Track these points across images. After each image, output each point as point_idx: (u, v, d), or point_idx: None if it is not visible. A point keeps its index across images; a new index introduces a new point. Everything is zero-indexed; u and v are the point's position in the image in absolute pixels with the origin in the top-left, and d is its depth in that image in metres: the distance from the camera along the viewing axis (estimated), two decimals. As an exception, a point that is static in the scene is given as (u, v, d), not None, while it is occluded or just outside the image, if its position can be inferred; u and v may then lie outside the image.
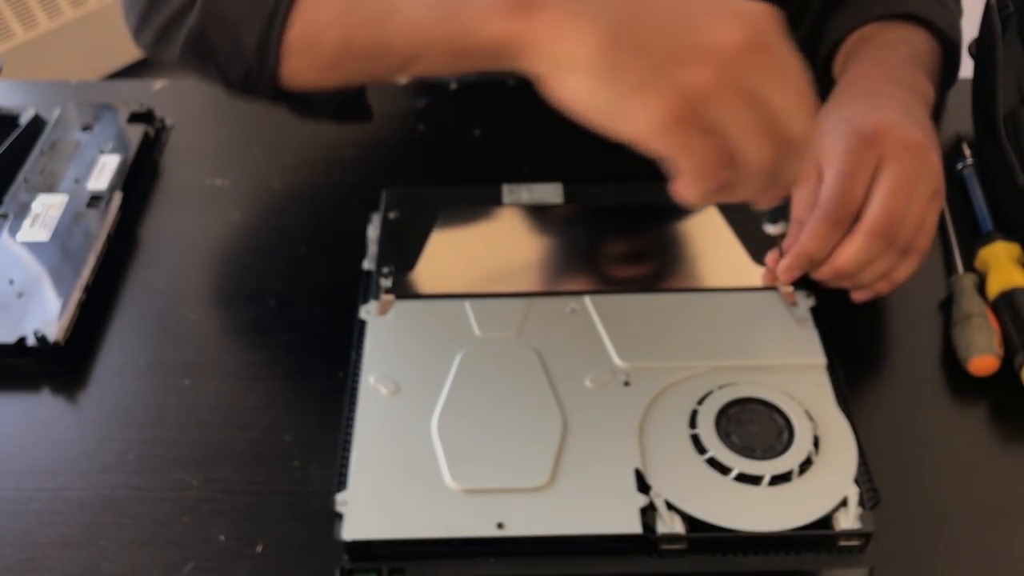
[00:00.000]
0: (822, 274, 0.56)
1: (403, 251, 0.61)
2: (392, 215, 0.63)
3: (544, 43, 0.43)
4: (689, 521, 0.46)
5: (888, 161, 0.54)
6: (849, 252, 0.54)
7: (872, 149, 0.55)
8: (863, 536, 0.46)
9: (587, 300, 0.57)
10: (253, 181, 0.73)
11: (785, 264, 0.56)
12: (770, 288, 0.58)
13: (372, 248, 0.62)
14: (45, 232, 0.65)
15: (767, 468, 0.48)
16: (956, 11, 0.73)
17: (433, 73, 0.51)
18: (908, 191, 0.54)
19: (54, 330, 0.58)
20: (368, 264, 0.61)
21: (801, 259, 0.55)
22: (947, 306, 0.60)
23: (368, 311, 0.57)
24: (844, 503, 0.47)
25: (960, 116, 0.72)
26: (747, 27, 0.40)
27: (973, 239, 0.63)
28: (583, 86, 0.41)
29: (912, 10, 0.68)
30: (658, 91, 0.40)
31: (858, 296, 0.59)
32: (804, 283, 0.58)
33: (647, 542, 0.46)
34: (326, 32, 0.51)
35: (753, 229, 0.61)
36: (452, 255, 0.61)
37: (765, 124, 0.41)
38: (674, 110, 0.40)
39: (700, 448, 0.49)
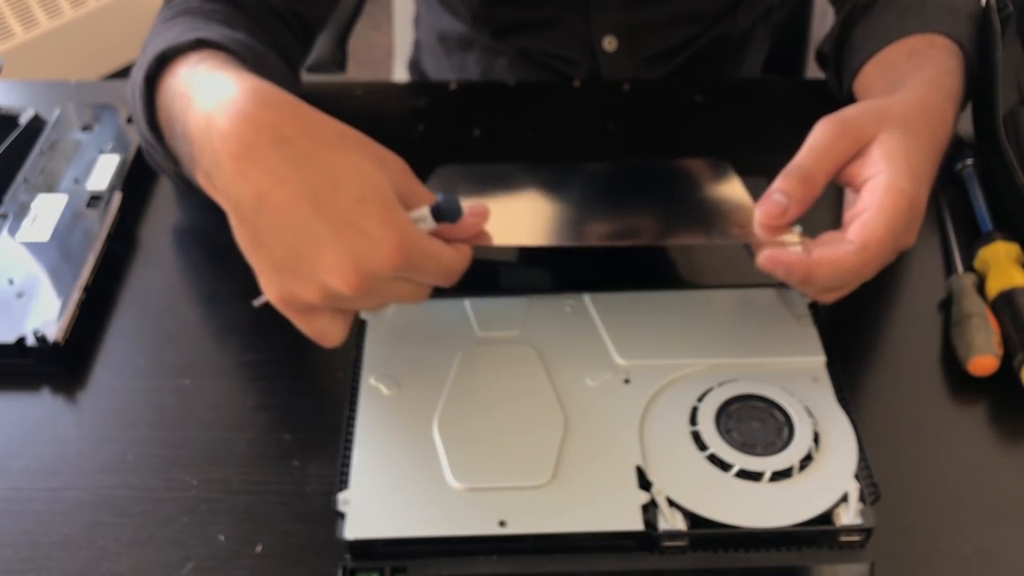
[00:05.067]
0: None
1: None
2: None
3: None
4: (690, 518, 0.46)
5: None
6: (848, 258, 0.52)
7: (907, 218, 0.52)
8: (864, 532, 0.46)
9: (587, 298, 0.57)
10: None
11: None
12: (770, 286, 0.58)
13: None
14: (45, 232, 0.65)
15: (768, 464, 0.48)
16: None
17: None
18: (907, 213, 0.52)
19: (54, 330, 0.58)
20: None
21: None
22: (947, 306, 0.60)
23: (368, 311, 0.57)
24: (845, 499, 0.47)
25: (960, 116, 0.72)
26: (356, 275, 0.45)
27: (973, 239, 0.63)
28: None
29: (947, 31, 0.66)
30: (270, 284, 0.48)
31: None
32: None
33: (649, 539, 0.46)
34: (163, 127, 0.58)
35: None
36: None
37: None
38: (281, 302, 0.48)
39: (701, 445, 0.49)
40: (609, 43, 0.85)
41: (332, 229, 0.45)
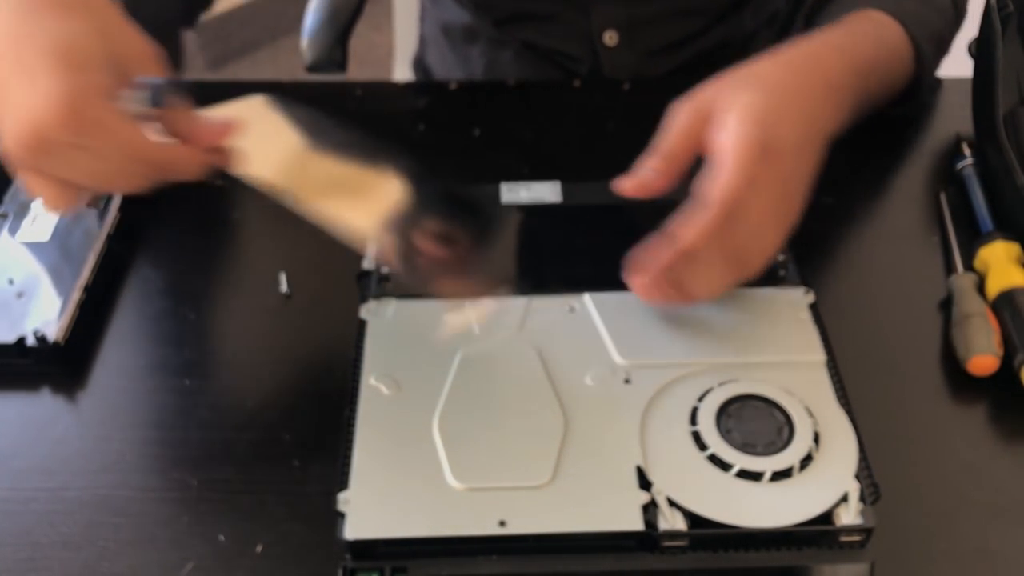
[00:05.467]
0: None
1: (403, 251, 0.61)
2: (392, 215, 0.63)
3: None
4: (691, 518, 0.46)
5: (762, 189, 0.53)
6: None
7: (763, 166, 0.52)
8: (864, 531, 0.46)
9: (587, 298, 0.57)
10: (253, 181, 0.72)
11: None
12: (770, 286, 0.58)
13: (371, 248, 0.62)
14: (45, 232, 0.65)
15: (768, 464, 0.48)
16: (946, 20, 0.72)
17: None
18: (771, 222, 0.53)
19: (54, 330, 0.58)
20: (367, 264, 0.61)
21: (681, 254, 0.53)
22: (947, 306, 0.60)
23: (368, 311, 0.57)
24: (845, 499, 0.47)
25: (960, 116, 0.73)
26: (25, 127, 0.46)
27: (973, 239, 0.63)
28: None
29: (885, 7, 0.67)
30: None
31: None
32: (804, 280, 0.58)
33: (649, 539, 0.46)
34: None
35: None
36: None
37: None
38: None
39: (701, 445, 0.49)
40: (610, 38, 0.85)
41: (17, 80, 0.46)
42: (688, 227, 0.51)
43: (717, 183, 0.51)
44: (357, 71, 0.96)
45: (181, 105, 0.51)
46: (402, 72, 1.11)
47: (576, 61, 0.87)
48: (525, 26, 0.87)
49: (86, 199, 0.51)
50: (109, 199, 0.67)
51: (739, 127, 0.52)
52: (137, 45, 0.51)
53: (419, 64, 1.03)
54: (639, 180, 0.55)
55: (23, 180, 0.49)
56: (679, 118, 0.55)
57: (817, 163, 0.55)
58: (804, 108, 0.55)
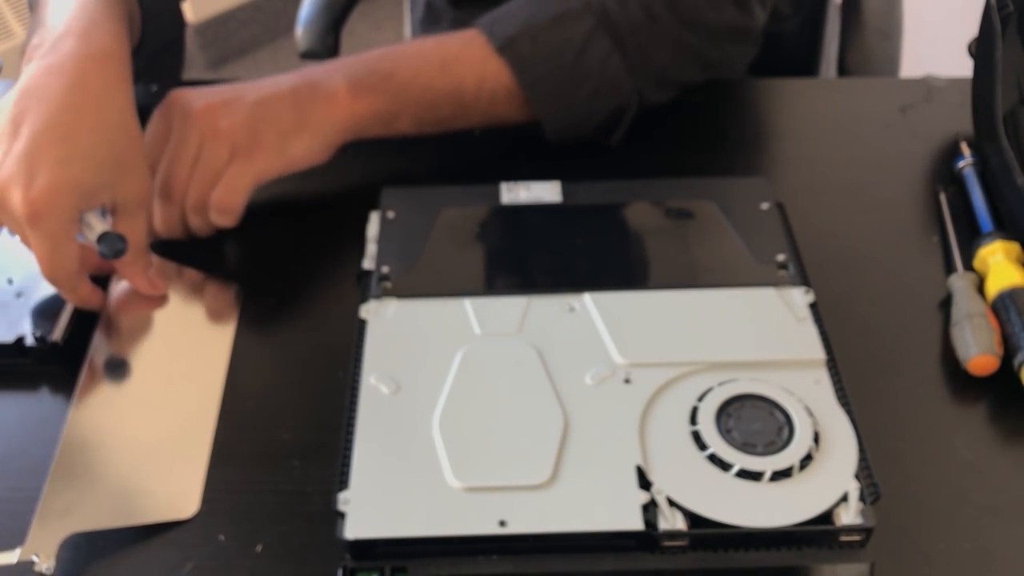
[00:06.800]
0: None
1: (402, 250, 0.61)
2: (391, 214, 0.63)
3: None
4: (691, 517, 0.46)
5: (173, 133, 0.64)
6: (155, 218, 0.64)
7: (183, 126, 0.64)
8: (864, 531, 0.46)
9: (587, 298, 0.57)
10: (253, 182, 0.72)
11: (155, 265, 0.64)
12: (770, 286, 0.58)
13: (371, 247, 0.62)
14: (44, 232, 0.65)
15: (768, 464, 0.48)
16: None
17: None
18: (185, 156, 0.63)
19: (53, 330, 0.58)
20: (368, 264, 0.61)
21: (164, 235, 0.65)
22: (947, 306, 0.60)
23: (368, 311, 0.57)
24: (845, 498, 0.47)
25: (960, 116, 0.73)
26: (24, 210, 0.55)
27: (973, 239, 0.63)
28: None
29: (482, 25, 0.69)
30: None
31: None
32: (804, 280, 0.58)
33: (649, 539, 0.46)
34: None
35: (753, 226, 0.61)
36: (452, 254, 0.61)
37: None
38: None
39: (701, 444, 0.49)
40: None
41: (16, 164, 0.55)
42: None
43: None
44: (357, 71, 0.95)
45: (105, 253, 0.58)
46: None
47: None
48: (483, 7, 0.86)
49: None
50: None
51: None
52: (141, 186, 0.59)
53: None
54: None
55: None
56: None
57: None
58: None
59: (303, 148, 0.65)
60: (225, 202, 0.63)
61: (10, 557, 0.47)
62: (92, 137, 0.56)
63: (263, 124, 0.64)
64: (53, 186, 0.54)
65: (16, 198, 0.55)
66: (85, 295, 0.60)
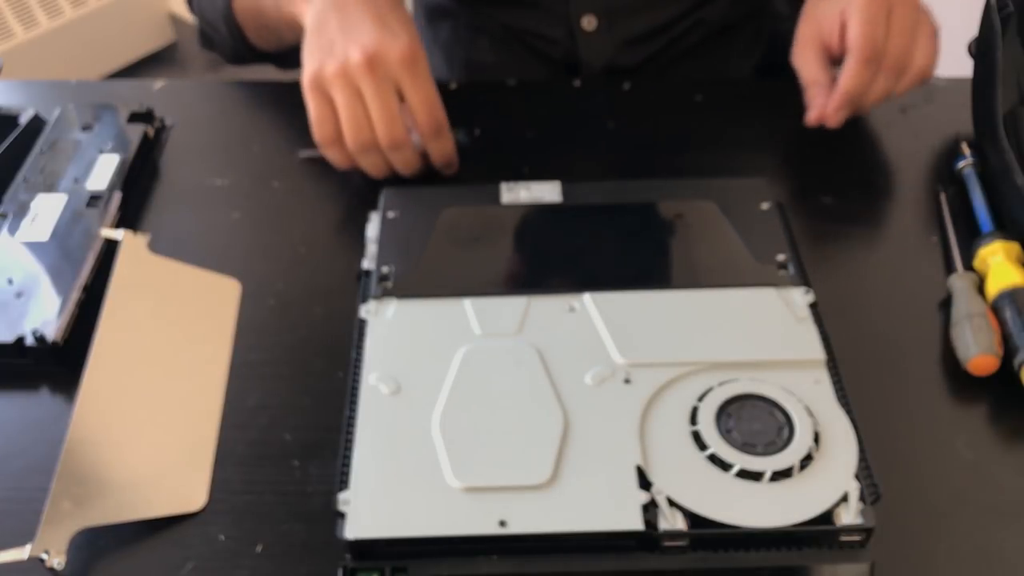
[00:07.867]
0: (837, 102, 0.69)
1: (402, 250, 0.61)
2: (391, 214, 0.63)
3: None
4: (691, 517, 0.46)
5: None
6: (847, 78, 0.68)
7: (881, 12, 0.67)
8: (864, 531, 0.46)
9: (587, 298, 0.57)
10: (253, 181, 0.73)
11: (834, 104, 0.69)
12: (770, 286, 0.58)
13: (371, 247, 0.62)
14: (44, 232, 0.65)
15: (768, 464, 0.48)
16: None
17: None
18: (884, 20, 0.67)
19: (53, 330, 0.58)
20: (367, 264, 0.61)
21: (846, 98, 0.68)
22: (947, 306, 0.60)
23: (368, 311, 0.57)
24: (845, 498, 0.47)
25: (960, 116, 0.73)
26: (369, 54, 0.63)
27: (973, 239, 0.63)
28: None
29: None
30: (310, 59, 0.65)
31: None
32: (804, 280, 0.58)
33: (649, 539, 0.46)
34: (247, 10, 0.77)
35: (753, 226, 0.61)
36: (452, 254, 0.61)
37: (383, 112, 0.64)
38: (310, 76, 0.64)
39: (701, 445, 0.49)
40: (588, 22, 0.85)
41: (373, 24, 0.64)
42: (844, 77, 0.68)
43: (850, 39, 0.67)
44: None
45: None
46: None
47: (552, 44, 0.87)
48: (502, 8, 0.86)
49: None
50: (109, 199, 0.67)
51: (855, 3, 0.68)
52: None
53: None
54: (818, 114, 0.70)
55: (311, 101, 0.65)
56: (806, 53, 0.71)
57: None
58: None
59: (403, 16, 0.68)
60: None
61: (21, 553, 0.47)
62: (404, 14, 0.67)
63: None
64: (414, 36, 0.64)
65: (394, 50, 0.63)
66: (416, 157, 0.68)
